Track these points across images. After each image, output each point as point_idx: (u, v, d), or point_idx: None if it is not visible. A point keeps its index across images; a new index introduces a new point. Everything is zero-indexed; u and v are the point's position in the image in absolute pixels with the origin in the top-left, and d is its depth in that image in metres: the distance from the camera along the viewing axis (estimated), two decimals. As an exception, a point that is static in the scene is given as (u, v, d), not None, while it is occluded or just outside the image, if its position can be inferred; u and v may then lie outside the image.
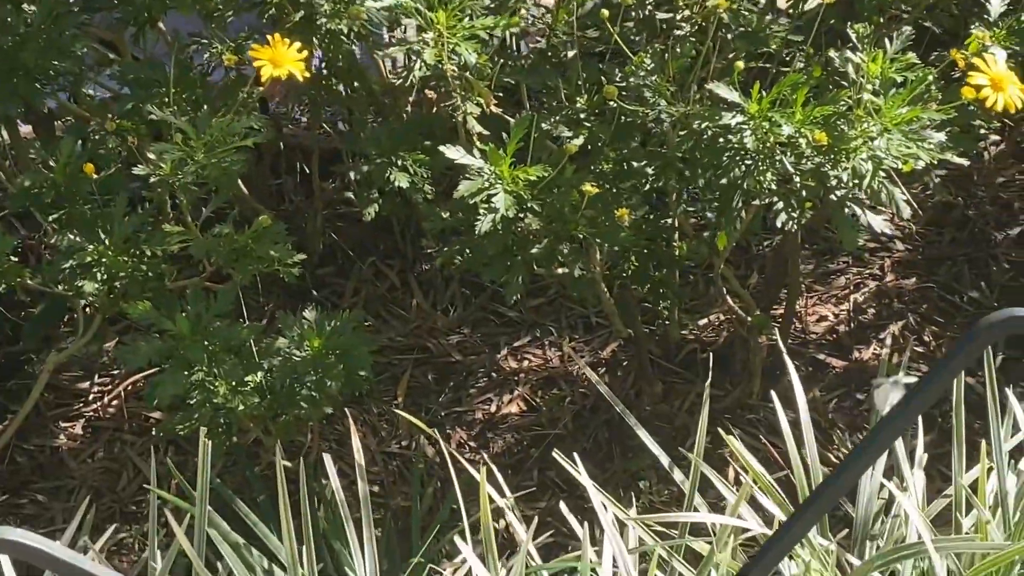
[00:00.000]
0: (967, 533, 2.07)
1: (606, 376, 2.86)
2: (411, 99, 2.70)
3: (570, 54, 2.41)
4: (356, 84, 2.66)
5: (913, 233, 3.09)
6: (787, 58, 2.51)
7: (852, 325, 2.92)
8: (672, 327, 2.84)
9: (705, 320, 2.94)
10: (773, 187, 2.22)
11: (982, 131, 3.02)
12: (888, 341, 2.87)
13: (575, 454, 2.12)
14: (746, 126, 2.15)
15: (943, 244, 3.05)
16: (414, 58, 2.15)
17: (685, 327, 2.91)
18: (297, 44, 2.10)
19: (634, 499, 2.58)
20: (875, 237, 3.07)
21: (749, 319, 2.68)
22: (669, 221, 2.61)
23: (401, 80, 2.17)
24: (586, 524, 2.03)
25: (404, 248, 3.05)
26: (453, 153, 2.15)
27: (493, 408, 2.82)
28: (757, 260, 3.07)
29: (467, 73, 2.18)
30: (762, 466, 2.57)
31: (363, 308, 2.97)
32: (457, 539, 1.91)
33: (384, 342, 2.92)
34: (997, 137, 3.20)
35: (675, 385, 2.83)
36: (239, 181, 2.59)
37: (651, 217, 2.59)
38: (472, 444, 2.76)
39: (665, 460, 2.22)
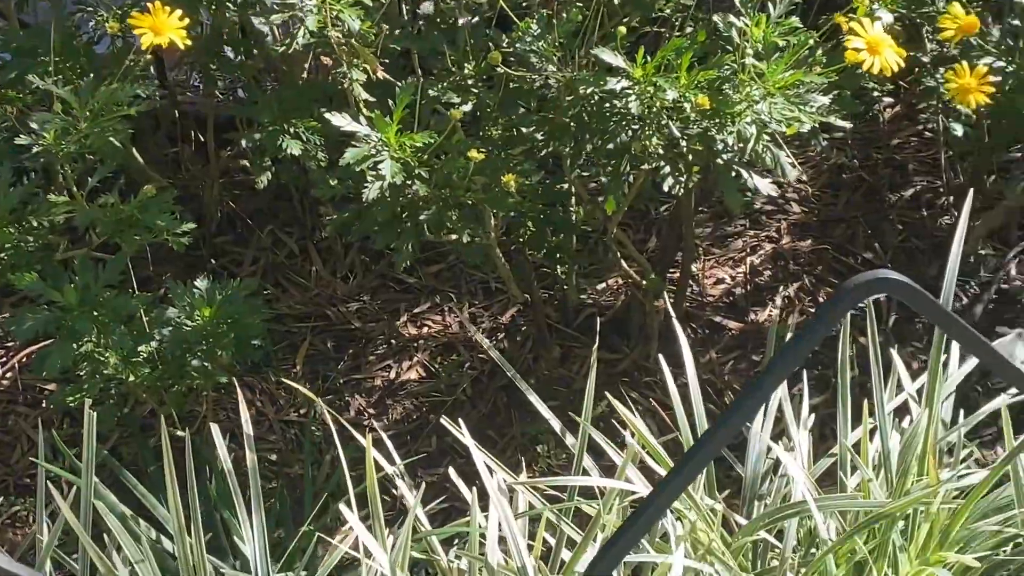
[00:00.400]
0: (852, 492, 2.11)
1: (505, 341, 2.87)
2: (307, 66, 2.69)
3: (461, 20, 2.41)
4: (255, 52, 2.64)
5: (809, 195, 3.12)
6: (678, 23, 2.52)
7: (748, 287, 2.95)
8: (570, 291, 2.85)
9: (604, 284, 2.96)
10: (660, 152, 2.24)
11: (875, 94, 3.07)
12: (783, 303, 2.90)
13: (461, 420, 2.12)
14: (631, 91, 2.16)
15: (838, 206, 3.09)
16: (297, 24, 2.14)
17: (583, 291, 2.92)
18: (178, 12, 2.08)
19: (529, 463, 2.60)
20: (772, 200, 3.10)
21: (644, 283, 2.70)
22: (565, 186, 2.62)
23: (284, 47, 2.15)
24: (474, 489, 2.03)
25: (303, 216, 3.04)
26: (339, 120, 2.15)
27: (392, 375, 2.82)
28: (656, 223, 3.08)
29: (352, 39, 2.17)
30: (657, 428, 2.60)
31: (262, 276, 2.96)
32: (343, 507, 1.91)
33: (283, 310, 2.91)
34: (891, 100, 3.24)
35: (573, 349, 2.84)
36: (134, 150, 2.57)
37: (547, 182, 2.60)
38: (371, 411, 2.76)
39: (557, 424, 2.23)
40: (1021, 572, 2.06)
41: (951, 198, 2.99)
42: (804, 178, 3.15)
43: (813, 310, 2.87)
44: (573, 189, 2.62)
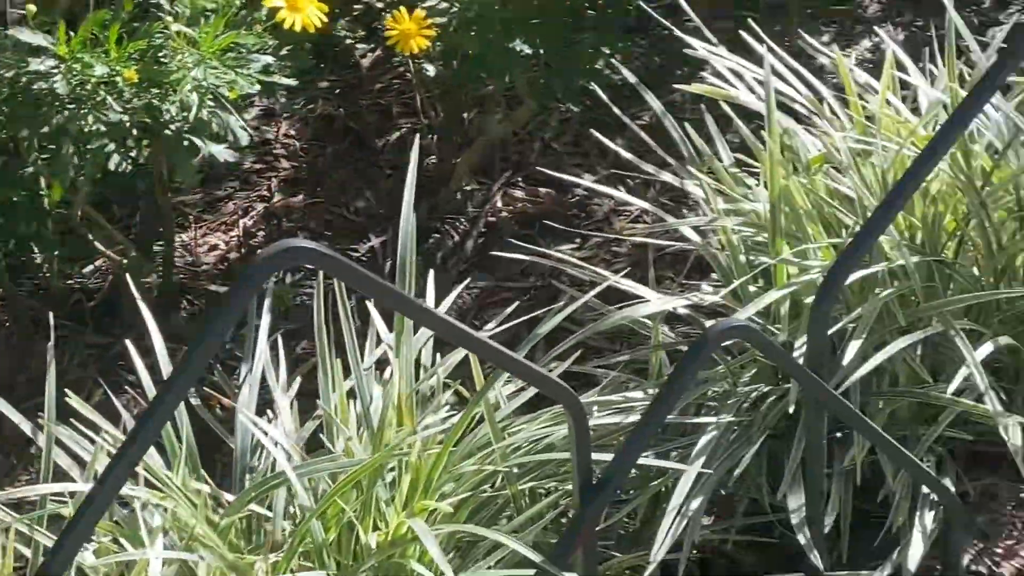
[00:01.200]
0: (338, 453, 2.09)
1: (-9, 340, 2.71)
2: None
3: None
4: None
5: (298, 150, 3.09)
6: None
7: (244, 251, 2.89)
8: (52, 279, 2.73)
9: (92, 267, 2.84)
10: (103, 129, 2.15)
11: (348, 41, 3.06)
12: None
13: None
14: (58, 71, 2.06)
15: (327, 158, 3.06)
16: None
17: (69, 277, 2.80)
18: None
19: (25, 466, 2.48)
20: (261, 158, 3.05)
21: (125, 261, 2.61)
22: (31, 170, 2.49)
23: None
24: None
25: None
26: None
27: None
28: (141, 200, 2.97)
29: None
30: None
31: None
32: None
33: None
34: (371, 45, 3.22)
35: (65, 339, 2.71)
36: None
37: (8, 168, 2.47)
38: None
39: (27, 427, 2.11)
40: (508, 504, 2.10)
41: (434, 138, 3.01)
42: (292, 132, 3.11)
43: (310, 267, 2.84)
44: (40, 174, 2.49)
